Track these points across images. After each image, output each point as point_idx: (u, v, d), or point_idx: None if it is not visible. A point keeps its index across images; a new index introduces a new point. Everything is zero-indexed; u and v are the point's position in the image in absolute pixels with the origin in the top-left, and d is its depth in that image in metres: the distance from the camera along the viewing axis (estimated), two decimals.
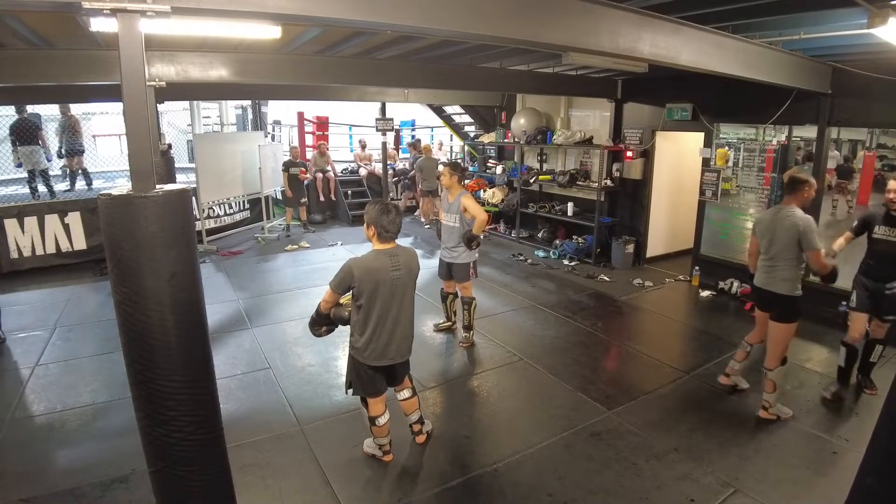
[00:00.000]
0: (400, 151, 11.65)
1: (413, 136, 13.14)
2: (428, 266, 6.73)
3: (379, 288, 2.79)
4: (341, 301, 2.96)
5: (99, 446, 3.29)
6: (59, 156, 8.69)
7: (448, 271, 4.76)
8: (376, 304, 2.81)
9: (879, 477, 1.60)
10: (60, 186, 8.81)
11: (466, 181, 8.61)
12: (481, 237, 4.66)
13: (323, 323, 3.03)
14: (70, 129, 8.61)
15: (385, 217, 2.80)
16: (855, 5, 3.10)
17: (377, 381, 2.99)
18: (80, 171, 8.90)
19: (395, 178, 10.99)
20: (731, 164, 6.22)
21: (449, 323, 5.08)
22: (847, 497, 1.72)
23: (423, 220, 10.17)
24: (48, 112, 9.16)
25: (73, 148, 8.65)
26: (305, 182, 9.60)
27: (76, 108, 9.12)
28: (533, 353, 4.62)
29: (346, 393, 3.12)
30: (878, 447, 1.63)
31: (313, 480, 2.99)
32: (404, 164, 11.33)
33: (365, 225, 2.89)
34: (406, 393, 3.21)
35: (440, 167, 4.69)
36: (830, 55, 4.94)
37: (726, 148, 6.24)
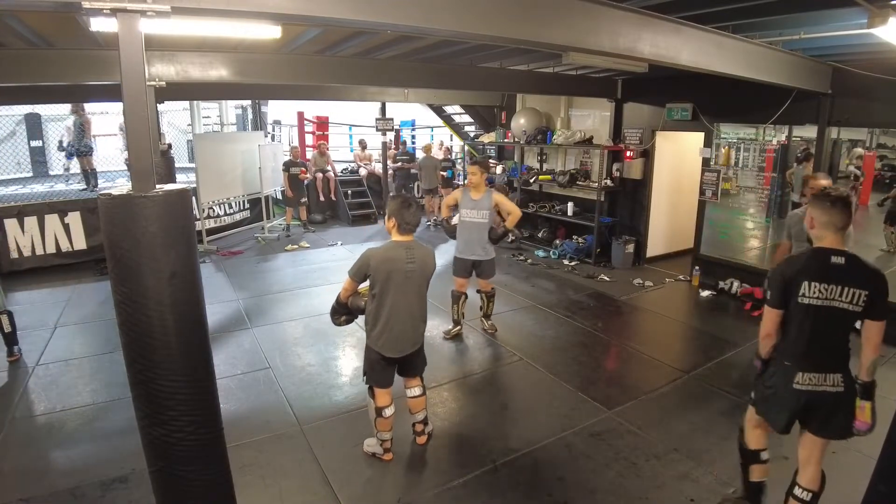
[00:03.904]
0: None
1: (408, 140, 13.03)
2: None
3: (392, 277, 2.88)
4: (359, 290, 3.05)
5: (99, 446, 3.29)
6: (69, 155, 8.63)
7: (471, 269, 4.80)
8: (389, 294, 2.91)
9: (891, 483, 1.59)
10: (73, 187, 8.76)
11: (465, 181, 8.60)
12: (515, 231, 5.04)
13: (342, 312, 3.11)
14: (80, 129, 8.58)
15: (406, 211, 2.93)
16: (855, 5, 3.10)
17: (388, 372, 3.07)
18: (90, 171, 8.88)
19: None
20: (732, 163, 6.22)
21: (458, 328, 4.94)
22: (861, 502, 1.71)
23: (425, 219, 10.15)
24: (50, 111, 9.08)
25: (80, 148, 8.63)
26: (305, 182, 9.60)
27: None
28: (533, 353, 4.61)
29: (363, 380, 3.17)
30: (890, 454, 1.62)
31: (313, 480, 2.99)
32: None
33: (386, 217, 3.04)
34: (416, 391, 3.25)
35: (470, 166, 4.84)
36: (830, 55, 4.94)
37: (730, 147, 6.24)
